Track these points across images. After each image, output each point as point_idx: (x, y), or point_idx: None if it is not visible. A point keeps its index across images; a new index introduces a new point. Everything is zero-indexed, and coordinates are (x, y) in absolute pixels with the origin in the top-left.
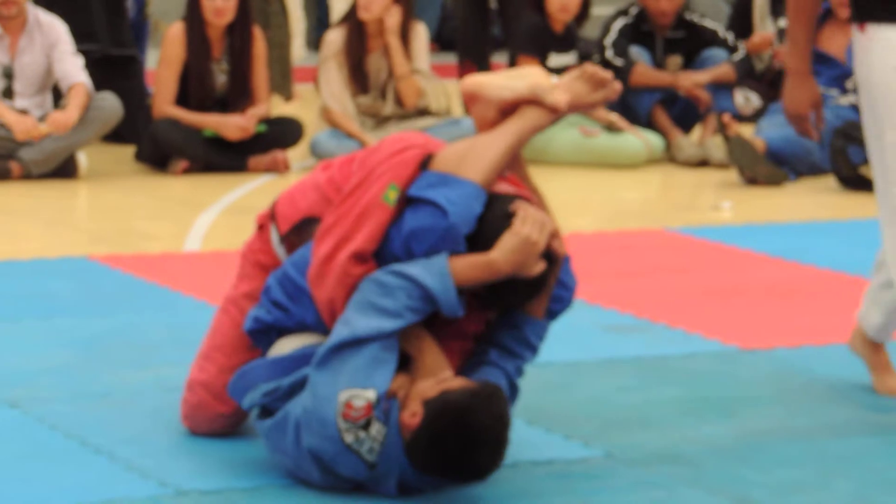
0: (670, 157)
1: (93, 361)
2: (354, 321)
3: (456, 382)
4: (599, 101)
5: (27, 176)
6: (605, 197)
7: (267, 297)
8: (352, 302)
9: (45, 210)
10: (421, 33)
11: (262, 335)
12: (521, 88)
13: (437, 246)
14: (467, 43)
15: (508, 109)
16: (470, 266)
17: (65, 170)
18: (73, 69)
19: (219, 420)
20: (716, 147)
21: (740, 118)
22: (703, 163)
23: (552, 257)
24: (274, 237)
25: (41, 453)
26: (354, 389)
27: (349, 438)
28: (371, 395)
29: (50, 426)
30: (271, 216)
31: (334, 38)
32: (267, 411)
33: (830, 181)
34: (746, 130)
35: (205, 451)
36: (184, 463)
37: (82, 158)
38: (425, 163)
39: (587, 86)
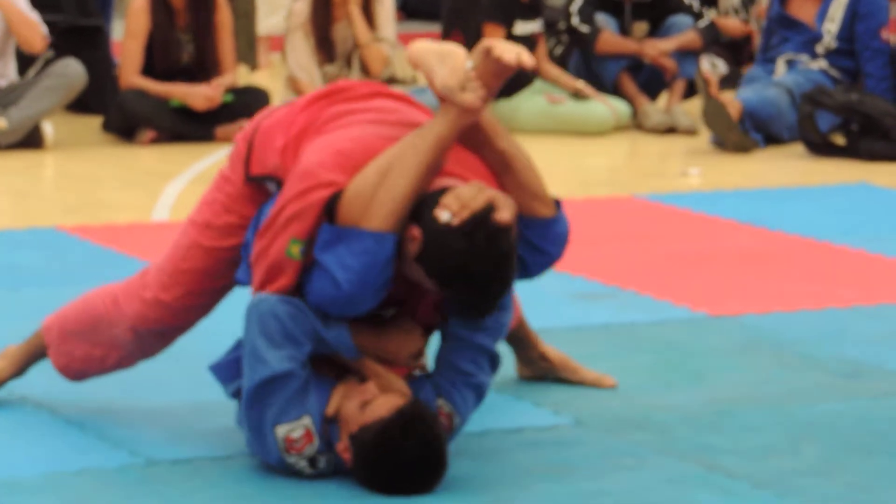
0: (637, 124)
1: None
2: (269, 359)
3: (374, 410)
4: (510, 72)
5: None
6: (572, 164)
7: (245, 255)
8: (259, 337)
9: (13, 181)
10: (386, 2)
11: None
12: (437, 84)
13: (343, 311)
14: (458, 12)
15: None
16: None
17: (31, 140)
18: (22, 7)
19: (169, 336)
20: (683, 114)
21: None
22: (670, 130)
23: (495, 228)
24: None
25: (11, 424)
26: (289, 423)
27: (299, 466)
28: (307, 421)
29: (19, 397)
30: (248, 147)
31: (301, 8)
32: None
33: (799, 148)
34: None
35: (175, 420)
36: (154, 433)
37: (48, 129)
38: (331, 206)
39: (495, 65)
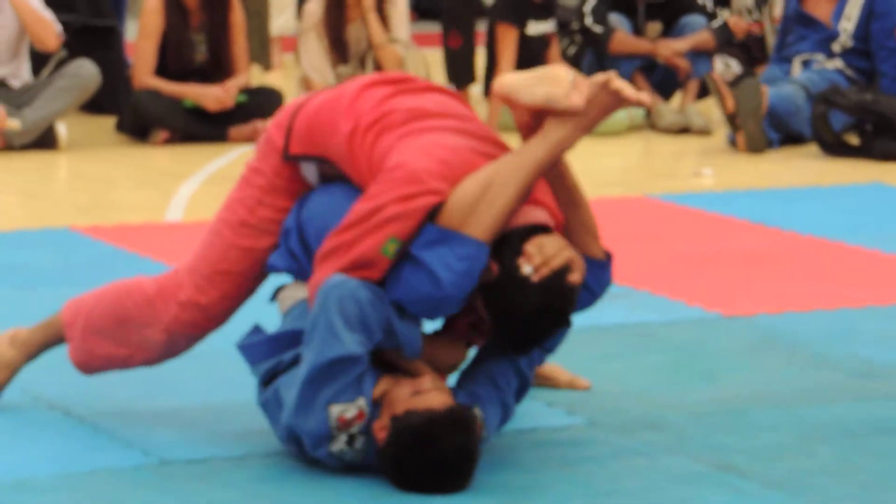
0: (651, 124)
1: None
2: (346, 339)
3: (426, 400)
4: (622, 107)
5: (8, 147)
6: (585, 165)
7: (285, 242)
8: (337, 316)
9: (27, 181)
10: (400, 2)
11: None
12: (538, 97)
13: (430, 314)
14: (453, 11)
15: (541, 113)
16: None
17: (45, 141)
18: (36, 6)
19: (199, 337)
20: (696, 114)
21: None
22: (683, 130)
23: (568, 289)
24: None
25: (24, 424)
26: (344, 404)
27: (335, 448)
28: (362, 402)
29: (33, 397)
30: (286, 132)
31: (314, 8)
32: (267, 381)
33: (812, 148)
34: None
35: (188, 420)
36: (167, 433)
37: (62, 129)
38: (433, 211)
39: (611, 98)
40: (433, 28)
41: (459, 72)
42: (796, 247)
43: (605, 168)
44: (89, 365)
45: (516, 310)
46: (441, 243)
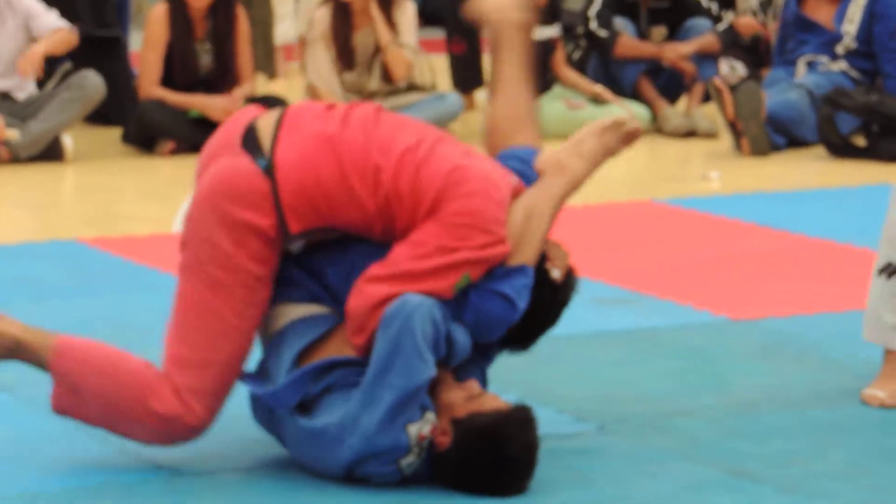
0: (657, 128)
1: None
2: (428, 359)
3: (486, 402)
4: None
5: (14, 160)
6: None
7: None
8: (421, 340)
9: (33, 194)
10: (408, 9)
11: None
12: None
13: (498, 334)
14: (456, 17)
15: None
16: None
17: (51, 153)
18: (52, 21)
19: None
20: (702, 117)
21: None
22: (689, 133)
23: (572, 286)
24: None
25: (34, 437)
26: (419, 422)
27: (405, 462)
28: (431, 416)
29: (43, 410)
30: (274, 198)
31: (321, 16)
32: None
33: (819, 150)
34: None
35: None
36: (176, 447)
37: (68, 141)
38: None
39: (617, 136)
40: (439, 34)
41: (464, 77)
42: (804, 249)
43: (611, 172)
44: (66, 413)
45: (547, 308)
46: (511, 276)
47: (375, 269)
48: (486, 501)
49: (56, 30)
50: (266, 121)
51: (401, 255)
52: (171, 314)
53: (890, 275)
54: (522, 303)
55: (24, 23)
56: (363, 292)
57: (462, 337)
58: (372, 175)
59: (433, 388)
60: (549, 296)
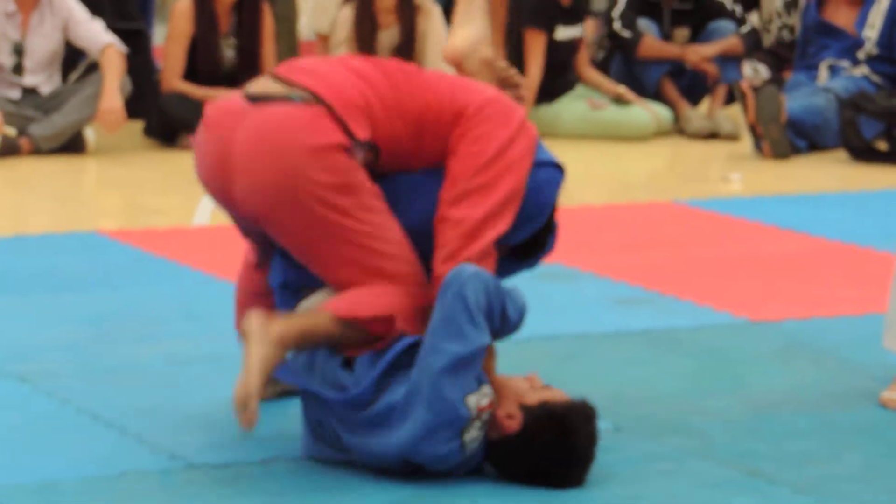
0: (679, 129)
1: (102, 336)
2: (484, 329)
3: (553, 392)
4: None
5: (36, 152)
6: (613, 170)
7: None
8: (476, 308)
9: (54, 186)
10: (435, 15)
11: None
12: None
13: (553, 201)
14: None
15: None
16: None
17: (73, 145)
18: (96, 33)
19: None
20: (724, 119)
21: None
22: (711, 135)
23: None
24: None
25: (53, 427)
26: (477, 393)
27: (469, 437)
28: (488, 390)
29: (61, 401)
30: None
31: (346, 17)
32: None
33: (841, 153)
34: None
35: (216, 424)
36: (195, 436)
37: (90, 134)
38: None
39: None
40: None
41: None
42: (824, 252)
43: (632, 173)
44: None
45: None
46: (538, 148)
47: (451, 191)
48: (507, 496)
49: (107, 53)
50: (261, 83)
51: (465, 170)
52: (344, 269)
53: None
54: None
55: (62, 25)
56: (450, 219)
57: (514, 313)
58: (394, 91)
59: (490, 371)
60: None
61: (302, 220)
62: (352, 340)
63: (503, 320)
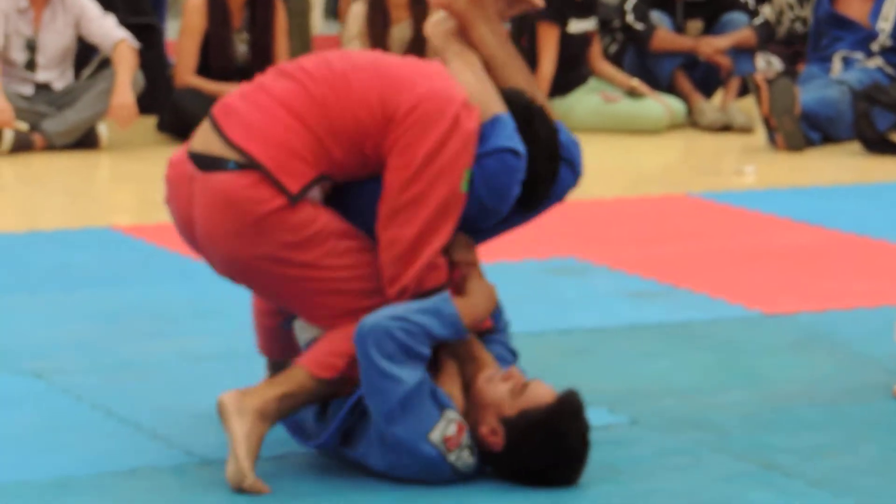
0: (692, 122)
1: (116, 332)
2: (402, 375)
3: (533, 395)
4: None
5: (49, 147)
6: (626, 163)
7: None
8: (382, 360)
9: (68, 181)
10: None
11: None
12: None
13: (515, 190)
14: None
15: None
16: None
17: (86, 141)
18: (109, 29)
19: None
20: (738, 111)
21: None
22: (725, 127)
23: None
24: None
25: (67, 423)
26: (438, 425)
27: (462, 460)
28: (452, 415)
29: (75, 397)
30: (268, 184)
31: (358, 11)
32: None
33: (854, 145)
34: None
35: None
36: (209, 433)
37: (104, 130)
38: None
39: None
40: None
41: None
42: (838, 245)
43: (646, 166)
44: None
45: (544, 144)
46: (493, 131)
47: (383, 209)
48: (520, 493)
49: (120, 48)
50: (202, 136)
51: (393, 185)
52: (327, 315)
53: None
54: (520, 146)
55: (75, 20)
56: (382, 241)
57: (442, 329)
58: (324, 118)
59: (471, 384)
60: (541, 129)
61: (272, 282)
62: (332, 390)
63: (434, 340)
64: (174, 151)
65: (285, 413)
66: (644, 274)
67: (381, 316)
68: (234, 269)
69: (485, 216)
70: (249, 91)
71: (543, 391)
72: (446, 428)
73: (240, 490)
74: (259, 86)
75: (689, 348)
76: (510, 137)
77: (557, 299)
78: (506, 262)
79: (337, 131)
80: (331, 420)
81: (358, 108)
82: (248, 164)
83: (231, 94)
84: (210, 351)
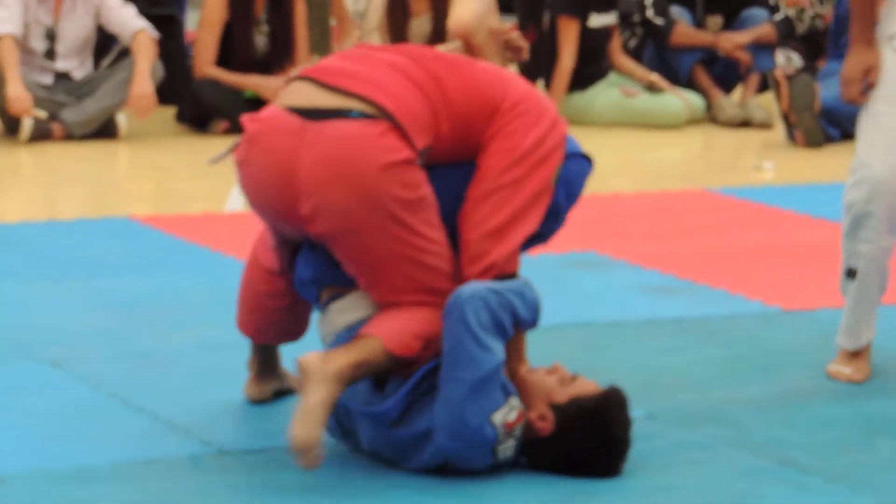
0: (711, 117)
1: (134, 322)
2: (494, 347)
3: (583, 385)
4: None
5: (69, 137)
6: (645, 158)
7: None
8: (478, 329)
9: (86, 171)
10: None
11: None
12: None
13: (581, 192)
14: (528, 6)
15: None
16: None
17: (106, 131)
18: (128, 18)
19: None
20: (757, 107)
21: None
22: (744, 123)
23: None
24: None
25: (84, 413)
26: (502, 408)
27: (506, 451)
28: (515, 402)
29: (93, 386)
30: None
31: (379, 3)
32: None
33: None
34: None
35: (247, 410)
36: (226, 422)
37: (122, 119)
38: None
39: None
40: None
41: (530, 66)
42: None
43: (665, 161)
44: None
45: None
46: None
47: (478, 189)
48: (542, 486)
49: (139, 38)
50: (305, 93)
51: (494, 167)
52: (397, 285)
53: None
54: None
55: (95, 10)
56: (475, 217)
57: (526, 312)
58: (440, 92)
59: (514, 376)
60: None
61: (373, 238)
62: (395, 368)
63: (517, 324)
64: (193, 142)
65: (353, 381)
66: (663, 269)
67: (477, 287)
68: (339, 223)
69: (555, 219)
70: (353, 56)
71: (591, 383)
72: (508, 413)
73: (301, 454)
74: (361, 53)
75: (708, 343)
76: (580, 147)
77: (576, 293)
78: (525, 255)
79: (451, 107)
80: (389, 393)
81: (469, 90)
82: (375, 115)
83: (323, 61)
84: (228, 340)
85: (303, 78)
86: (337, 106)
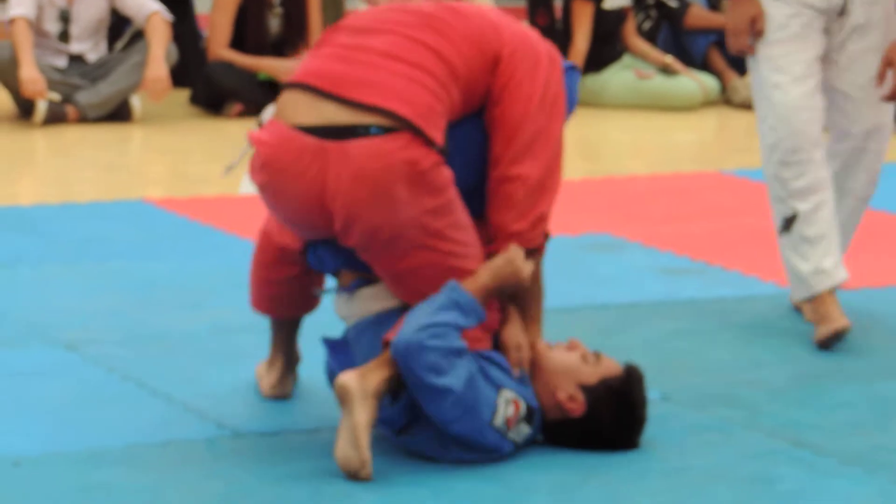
0: (726, 99)
1: (149, 304)
2: (450, 383)
3: (607, 364)
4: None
5: (83, 120)
6: (660, 139)
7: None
8: (427, 375)
9: (101, 154)
10: None
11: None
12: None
13: (576, 96)
14: None
15: None
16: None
17: (120, 113)
18: (143, 1)
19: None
20: None
21: None
22: None
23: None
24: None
25: (99, 395)
26: (498, 410)
27: (522, 433)
28: (508, 394)
29: (107, 369)
30: (415, 135)
31: None
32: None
33: (890, 125)
34: None
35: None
36: (241, 405)
37: (136, 102)
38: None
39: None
40: (506, 3)
41: None
42: (873, 222)
43: (679, 143)
44: None
45: None
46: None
47: (508, 148)
48: (557, 466)
49: (153, 20)
50: (315, 109)
51: (514, 122)
52: (425, 289)
53: None
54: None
55: None
56: (508, 175)
57: (467, 318)
58: (443, 64)
59: (533, 347)
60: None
61: (405, 247)
62: None
63: (462, 330)
64: (207, 124)
65: (386, 393)
66: (677, 250)
67: (407, 332)
68: (375, 239)
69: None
70: (344, 53)
71: (614, 362)
72: (506, 410)
73: (352, 475)
74: (352, 47)
75: (721, 325)
76: (560, 57)
77: (591, 275)
78: None
79: (455, 73)
80: (402, 401)
81: (468, 48)
82: (394, 127)
83: (312, 61)
84: (242, 323)
85: (299, 85)
86: (352, 122)
